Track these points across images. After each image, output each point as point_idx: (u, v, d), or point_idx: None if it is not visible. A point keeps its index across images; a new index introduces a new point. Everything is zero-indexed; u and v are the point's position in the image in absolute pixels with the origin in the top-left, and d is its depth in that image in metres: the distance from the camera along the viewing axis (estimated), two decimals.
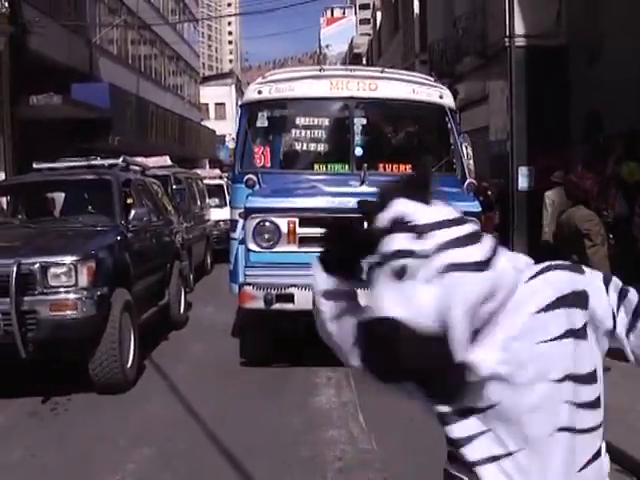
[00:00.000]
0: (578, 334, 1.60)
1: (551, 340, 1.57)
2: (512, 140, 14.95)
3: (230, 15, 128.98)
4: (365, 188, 7.40)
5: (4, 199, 9.55)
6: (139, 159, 11.63)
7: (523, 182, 14.65)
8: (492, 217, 13.68)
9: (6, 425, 6.12)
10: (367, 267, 1.59)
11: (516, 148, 14.86)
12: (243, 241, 7.30)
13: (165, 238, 9.74)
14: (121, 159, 9.30)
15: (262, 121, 8.18)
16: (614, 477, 5.08)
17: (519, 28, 14.96)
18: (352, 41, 67.16)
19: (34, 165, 9.40)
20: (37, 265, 6.34)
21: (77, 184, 8.87)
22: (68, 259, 6.48)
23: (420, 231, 1.51)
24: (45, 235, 7.42)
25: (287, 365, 7.58)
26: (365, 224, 1.62)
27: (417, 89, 8.11)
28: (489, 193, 14.00)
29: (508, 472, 1.58)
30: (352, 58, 60.06)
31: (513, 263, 1.62)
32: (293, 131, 8.20)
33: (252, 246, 7.09)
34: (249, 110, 8.21)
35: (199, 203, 15.87)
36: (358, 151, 7.91)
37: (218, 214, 16.41)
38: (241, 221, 7.42)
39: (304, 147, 8.12)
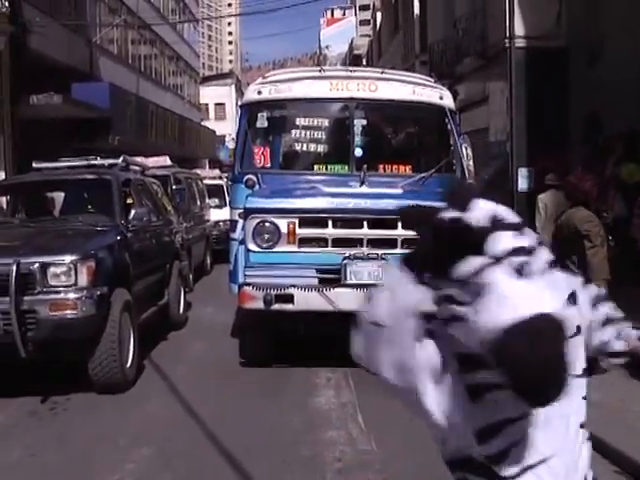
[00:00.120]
0: (579, 330, 1.67)
1: (573, 336, 1.60)
2: (512, 141, 14.96)
3: (230, 15, 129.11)
4: (365, 189, 7.42)
5: (4, 199, 9.54)
6: (139, 159, 11.61)
7: (523, 183, 14.64)
8: None
9: (6, 425, 6.12)
10: (476, 266, 1.44)
11: (516, 149, 14.87)
12: (243, 241, 7.30)
13: (165, 238, 9.74)
14: (121, 159, 9.29)
15: (262, 121, 8.18)
16: (614, 478, 5.07)
17: (519, 29, 14.98)
18: (352, 42, 67.06)
19: (34, 165, 9.41)
20: (37, 265, 6.34)
21: (77, 184, 8.87)
22: (68, 259, 6.48)
23: (518, 228, 1.49)
24: (45, 235, 7.42)
25: (287, 365, 7.57)
26: (417, 226, 1.57)
27: (417, 90, 8.11)
28: None
29: (544, 479, 1.56)
30: (352, 59, 60.00)
31: None
32: (293, 132, 8.19)
33: (252, 246, 7.09)
34: (249, 110, 8.21)
35: (199, 203, 15.86)
36: (358, 152, 7.92)
37: (218, 214, 16.39)
38: (241, 221, 7.42)
39: (304, 148, 8.12)
